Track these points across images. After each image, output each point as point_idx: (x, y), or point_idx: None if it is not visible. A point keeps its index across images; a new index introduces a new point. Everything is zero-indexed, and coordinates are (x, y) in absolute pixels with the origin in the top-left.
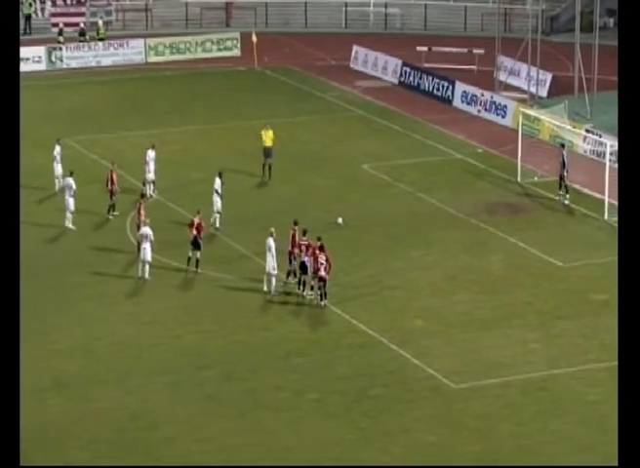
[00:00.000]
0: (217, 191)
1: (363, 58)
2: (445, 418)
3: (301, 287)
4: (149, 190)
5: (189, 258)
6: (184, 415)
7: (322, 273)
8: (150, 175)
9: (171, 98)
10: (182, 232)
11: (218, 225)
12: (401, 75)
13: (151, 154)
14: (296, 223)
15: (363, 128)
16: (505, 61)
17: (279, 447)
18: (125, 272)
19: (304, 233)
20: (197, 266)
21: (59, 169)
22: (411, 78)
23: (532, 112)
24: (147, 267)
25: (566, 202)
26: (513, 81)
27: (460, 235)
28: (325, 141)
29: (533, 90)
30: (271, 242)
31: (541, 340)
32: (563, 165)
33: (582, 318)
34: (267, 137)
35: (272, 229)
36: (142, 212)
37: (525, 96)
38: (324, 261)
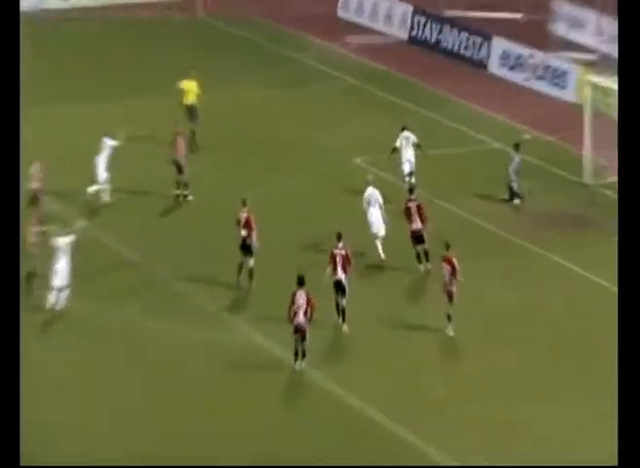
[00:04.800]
0: None
1: (357, 2)
2: None
3: (340, 313)
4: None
5: (240, 266)
6: None
7: (300, 320)
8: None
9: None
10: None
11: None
12: (412, 28)
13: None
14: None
15: (356, 104)
16: (565, 6)
17: None
18: None
19: (339, 238)
20: (251, 279)
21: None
22: (426, 32)
23: (604, 81)
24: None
25: None
26: (576, 36)
27: (501, 261)
28: (301, 126)
29: (605, 48)
30: (372, 191)
31: None
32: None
33: None
34: (190, 92)
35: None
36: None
37: (594, 57)
38: (303, 302)
